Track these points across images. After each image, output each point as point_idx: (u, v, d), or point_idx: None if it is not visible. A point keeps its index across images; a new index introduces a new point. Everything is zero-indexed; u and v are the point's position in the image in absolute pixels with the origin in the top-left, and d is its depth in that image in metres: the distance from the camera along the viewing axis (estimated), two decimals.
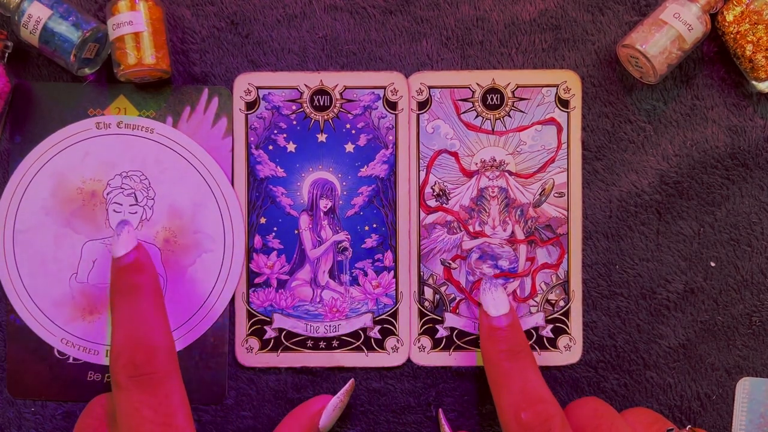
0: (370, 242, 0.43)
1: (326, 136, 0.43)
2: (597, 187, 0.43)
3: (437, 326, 0.43)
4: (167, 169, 0.43)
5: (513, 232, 0.43)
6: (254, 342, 0.43)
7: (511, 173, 0.43)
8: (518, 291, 0.43)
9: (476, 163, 0.43)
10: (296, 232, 0.43)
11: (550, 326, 0.43)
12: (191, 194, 0.43)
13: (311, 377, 0.43)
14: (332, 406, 0.40)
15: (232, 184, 0.43)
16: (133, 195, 0.43)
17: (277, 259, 0.43)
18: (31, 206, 0.43)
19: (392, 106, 0.43)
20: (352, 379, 0.42)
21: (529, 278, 0.43)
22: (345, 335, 0.43)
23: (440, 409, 0.42)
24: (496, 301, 0.39)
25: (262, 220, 0.43)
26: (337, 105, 0.43)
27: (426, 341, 0.43)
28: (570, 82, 0.43)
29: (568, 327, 0.43)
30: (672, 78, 0.43)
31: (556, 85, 0.43)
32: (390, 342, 0.43)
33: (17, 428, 0.43)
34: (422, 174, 0.43)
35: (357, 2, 0.43)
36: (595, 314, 0.43)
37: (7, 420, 0.43)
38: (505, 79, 0.43)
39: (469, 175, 0.43)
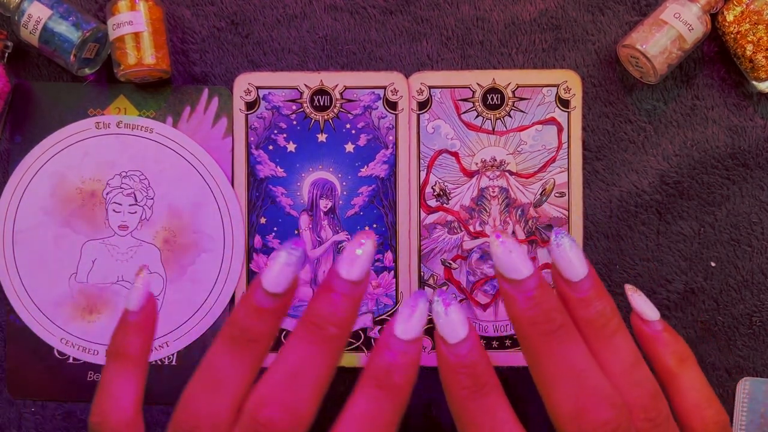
0: None
1: (326, 136, 0.43)
2: (597, 187, 0.43)
3: None
4: (167, 169, 0.43)
5: (514, 232, 0.43)
6: None
7: (511, 173, 0.43)
8: None
9: (477, 163, 0.43)
10: (296, 232, 0.43)
11: None
12: (191, 194, 0.43)
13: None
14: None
15: (232, 184, 0.43)
16: (132, 195, 0.43)
17: None
18: (30, 206, 0.43)
19: (392, 106, 0.43)
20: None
21: None
22: None
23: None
24: (453, 324, 0.30)
25: (262, 220, 0.43)
26: (337, 105, 0.43)
27: (426, 341, 0.43)
28: (570, 82, 0.43)
29: None
30: (672, 78, 0.43)
31: (557, 85, 0.43)
32: None
33: (17, 428, 0.43)
34: (422, 174, 0.43)
35: (357, 2, 0.43)
36: None
37: (7, 420, 0.43)
38: (506, 79, 0.43)
39: (469, 175, 0.43)
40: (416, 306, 0.30)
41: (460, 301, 0.43)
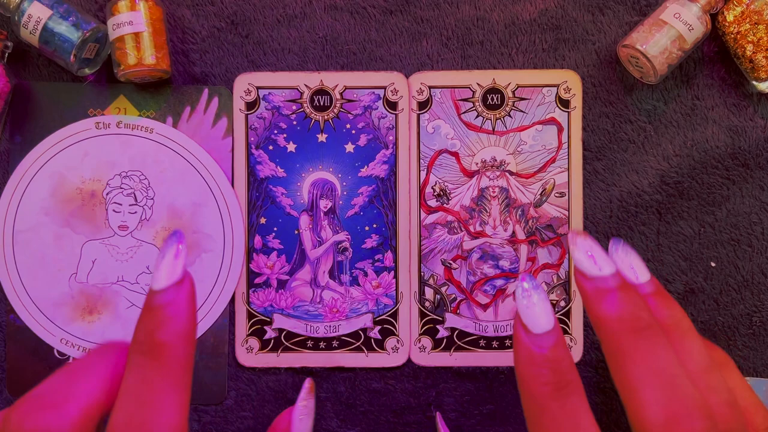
0: (371, 242, 0.43)
1: (326, 136, 0.43)
2: (597, 187, 0.43)
3: (438, 326, 0.43)
4: (167, 169, 0.43)
5: (514, 232, 0.43)
6: (254, 342, 0.43)
7: (511, 173, 0.43)
8: None
9: (477, 163, 0.43)
10: (296, 232, 0.43)
11: None
12: (191, 194, 0.43)
13: (311, 378, 0.43)
14: (298, 415, 0.34)
15: (232, 184, 0.43)
16: (132, 195, 0.43)
17: (277, 259, 0.43)
18: (30, 206, 0.43)
19: (392, 106, 0.43)
20: (309, 379, 0.38)
21: None
22: (345, 335, 0.43)
23: (438, 413, 0.42)
24: (539, 312, 0.27)
25: (262, 220, 0.43)
26: (337, 105, 0.43)
27: (426, 341, 0.43)
28: (570, 82, 0.43)
29: (569, 327, 0.43)
30: (672, 78, 0.43)
31: (557, 85, 0.43)
32: (390, 342, 0.43)
33: None
34: (423, 174, 0.43)
35: (357, 2, 0.43)
36: None
37: None
38: (506, 79, 0.43)
39: (469, 175, 0.43)
40: (168, 245, 0.26)
41: (460, 301, 0.43)
